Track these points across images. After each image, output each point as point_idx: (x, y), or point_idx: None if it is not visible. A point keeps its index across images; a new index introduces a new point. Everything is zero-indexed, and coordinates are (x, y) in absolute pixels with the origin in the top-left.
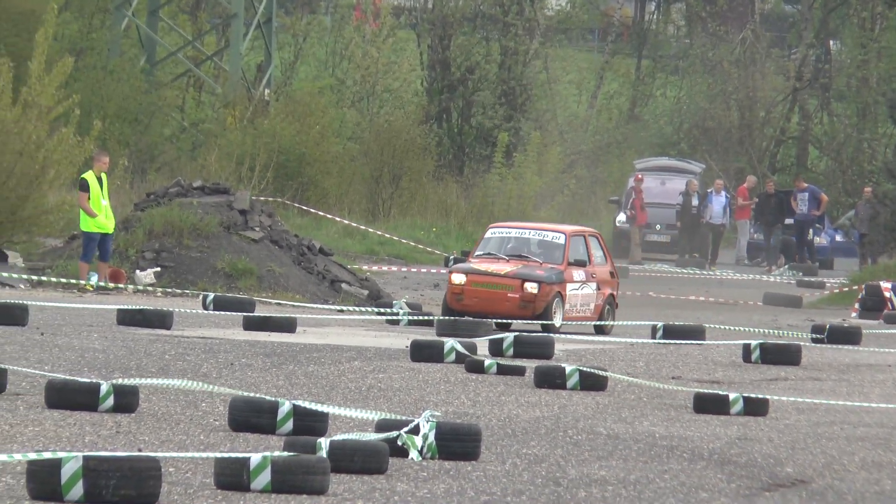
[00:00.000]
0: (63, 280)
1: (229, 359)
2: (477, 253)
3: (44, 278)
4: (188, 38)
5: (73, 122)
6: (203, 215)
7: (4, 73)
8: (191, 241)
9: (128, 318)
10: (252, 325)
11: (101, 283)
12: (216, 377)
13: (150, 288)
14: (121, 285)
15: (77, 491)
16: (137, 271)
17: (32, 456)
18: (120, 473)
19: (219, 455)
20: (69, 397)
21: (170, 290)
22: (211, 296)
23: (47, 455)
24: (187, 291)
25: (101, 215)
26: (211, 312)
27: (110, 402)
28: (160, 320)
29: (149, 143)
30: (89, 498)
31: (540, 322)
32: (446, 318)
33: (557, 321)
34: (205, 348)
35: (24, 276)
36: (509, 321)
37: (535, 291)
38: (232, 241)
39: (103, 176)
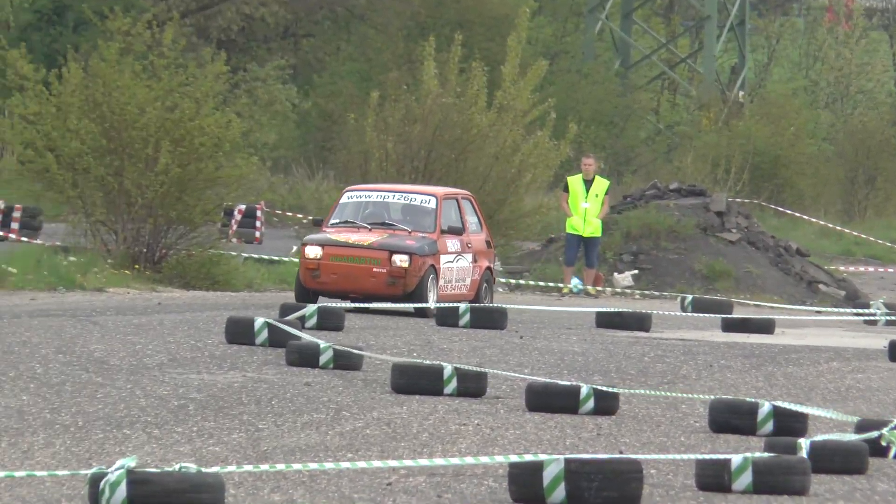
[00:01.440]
0: (541, 283)
1: (708, 360)
2: (332, 221)
3: (521, 282)
4: (661, 41)
5: (549, 126)
6: (680, 217)
7: (479, 77)
8: (668, 243)
9: (606, 321)
10: (731, 326)
11: (581, 288)
12: (695, 379)
13: (627, 291)
14: (598, 288)
15: (559, 494)
16: (616, 274)
17: (514, 459)
18: (602, 476)
19: (700, 457)
20: (549, 400)
21: (647, 292)
22: (689, 298)
23: (529, 458)
24: (665, 294)
25: (576, 217)
26: (689, 314)
27: (591, 404)
28: (638, 323)
29: (624, 145)
30: (571, 500)
31: (412, 305)
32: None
33: (431, 301)
34: (683, 350)
35: (503, 280)
36: (388, 304)
37: (406, 265)
38: (709, 242)
39: (598, 179)
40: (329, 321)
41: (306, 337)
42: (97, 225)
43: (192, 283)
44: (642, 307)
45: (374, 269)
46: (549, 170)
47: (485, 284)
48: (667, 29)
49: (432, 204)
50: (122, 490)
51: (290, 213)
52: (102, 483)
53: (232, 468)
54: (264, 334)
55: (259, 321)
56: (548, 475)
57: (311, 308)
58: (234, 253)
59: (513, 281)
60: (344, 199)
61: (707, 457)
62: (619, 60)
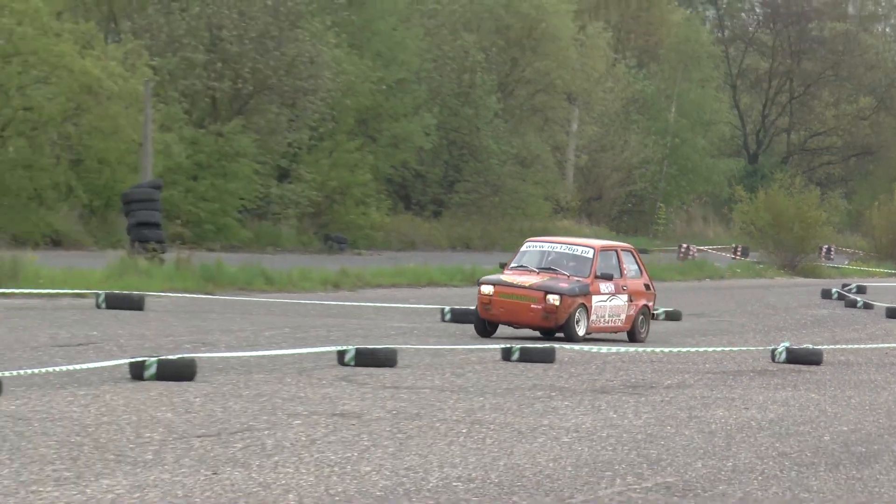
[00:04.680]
0: None
1: None
2: (512, 265)
3: None
4: None
5: None
6: None
7: None
8: None
9: None
10: None
11: None
12: None
13: None
14: None
15: None
16: None
17: None
18: None
19: None
20: None
21: None
22: None
23: None
24: None
25: None
26: None
27: None
28: None
29: None
30: None
31: (563, 333)
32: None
33: (581, 331)
34: None
35: None
36: (547, 332)
37: (557, 303)
38: None
39: None
40: None
41: None
42: None
43: None
44: None
45: (532, 306)
46: None
47: (640, 317)
48: None
49: (589, 254)
50: None
51: None
52: None
53: None
54: None
55: None
56: None
57: None
58: None
59: None
60: (524, 248)
61: None
62: None
